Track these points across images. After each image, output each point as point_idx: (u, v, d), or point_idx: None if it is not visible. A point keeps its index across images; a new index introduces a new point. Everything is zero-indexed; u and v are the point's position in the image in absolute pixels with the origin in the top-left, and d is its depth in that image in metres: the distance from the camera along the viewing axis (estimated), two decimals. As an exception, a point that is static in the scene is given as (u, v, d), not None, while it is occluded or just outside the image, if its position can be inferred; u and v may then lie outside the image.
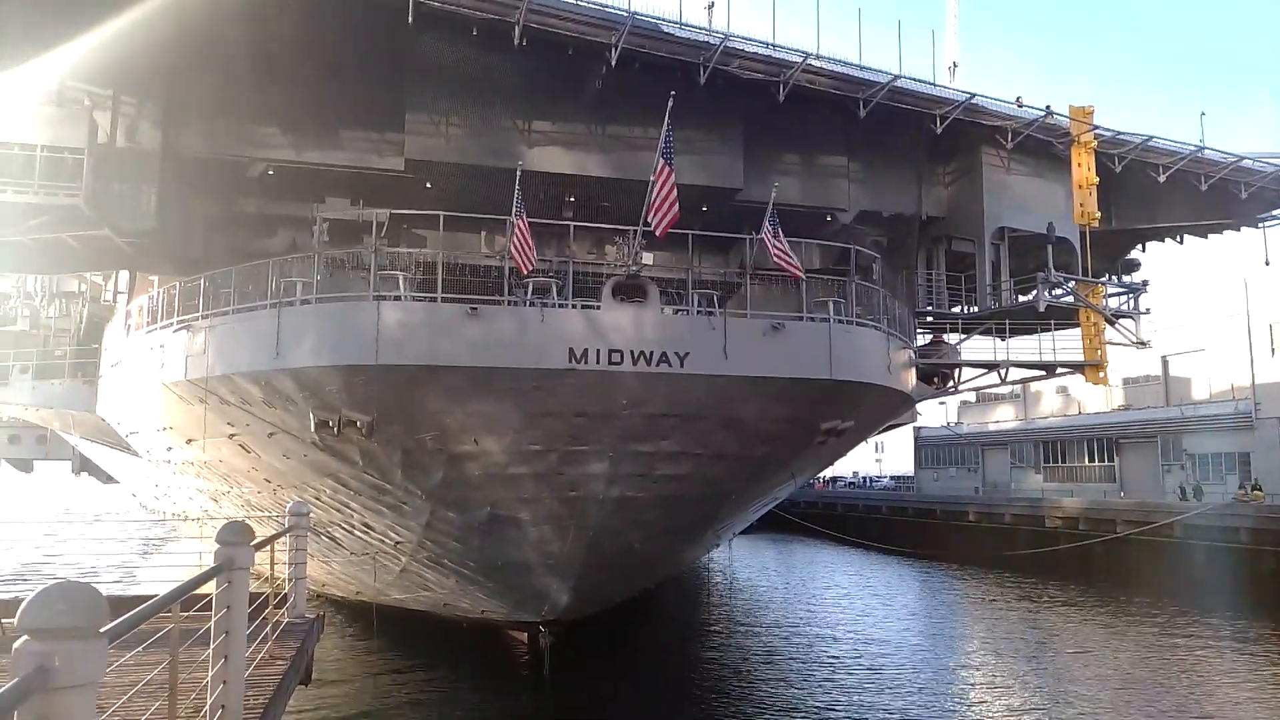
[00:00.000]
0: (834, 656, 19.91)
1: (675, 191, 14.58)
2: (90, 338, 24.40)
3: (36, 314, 28.14)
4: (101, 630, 2.78)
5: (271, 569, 7.37)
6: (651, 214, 14.61)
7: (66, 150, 15.96)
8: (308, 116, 18.16)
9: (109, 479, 36.40)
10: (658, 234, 14.91)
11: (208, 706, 4.79)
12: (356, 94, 18.18)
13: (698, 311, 16.02)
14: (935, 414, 59.08)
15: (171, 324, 16.73)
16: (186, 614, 5.18)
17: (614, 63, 17.13)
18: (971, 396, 51.86)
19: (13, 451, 35.43)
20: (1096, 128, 21.77)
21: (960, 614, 26.60)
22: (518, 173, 15.23)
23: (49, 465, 37.36)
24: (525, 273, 15.02)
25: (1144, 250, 29.30)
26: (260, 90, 17.65)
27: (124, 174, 16.99)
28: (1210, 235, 29.45)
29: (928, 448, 57.24)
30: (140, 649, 5.14)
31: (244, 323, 15.58)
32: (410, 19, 15.94)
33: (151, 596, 4.08)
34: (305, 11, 16.26)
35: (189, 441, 18.64)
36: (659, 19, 17.98)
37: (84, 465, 35.38)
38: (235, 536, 5.21)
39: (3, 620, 7.46)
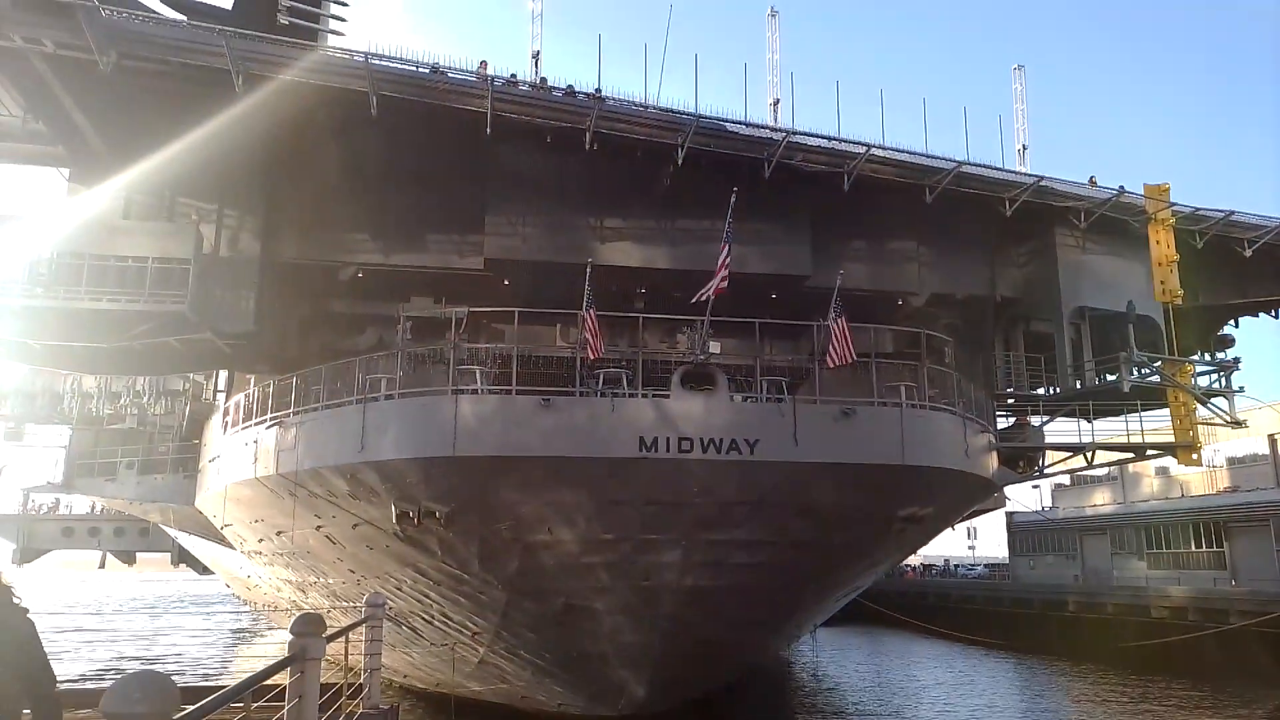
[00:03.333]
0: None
1: (727, 269, 15.18)
2: (192, 434, 25.74)
3: (144, 412, 29.83)
4: (175, 718, 3.06)
5: (345, 659, 7.64)
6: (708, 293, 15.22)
7: (175, 261, 17.24)
8: (395, 222, 19.22)
9: (205, 570, 37.78)
10: (700, 298, 15.41)
11: (278, 794, 5.01)
12: (439, 200, 19.20)
13: (766, 398, 16.13)
14: (1029, 498, 56.94)
15: (265, 420, 17.64)
16: (261, 704, 5.46)
17: (680, 161, 17.75)
18: (1066, 480, 49.79)
19: (117, 543, 37.20)
20: (1174, 204, 21.33)
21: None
22: (589, 268, 15.80)
23: (149, 556, 39.07)
24: (593, 358, 15.48)
25: (1237, 325, 28.16)
26: (351, 200, 18.92)
27: (225, 281, 18.21)
28: (1308, 307, 28.21)
29: (1022, 533, 54.80)
30: (220, 738, 5.44)
31: (331, 418, 16.36)
32: (489, 130, 16.95)
33: (231, 687, 4.37)
34: (391, 128, 17.42)
35: (279, 533, 19.38)
36: (723, 120, 18.60)
37: (182, 557, 36.80)
38: (307, 627, 5.49)
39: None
